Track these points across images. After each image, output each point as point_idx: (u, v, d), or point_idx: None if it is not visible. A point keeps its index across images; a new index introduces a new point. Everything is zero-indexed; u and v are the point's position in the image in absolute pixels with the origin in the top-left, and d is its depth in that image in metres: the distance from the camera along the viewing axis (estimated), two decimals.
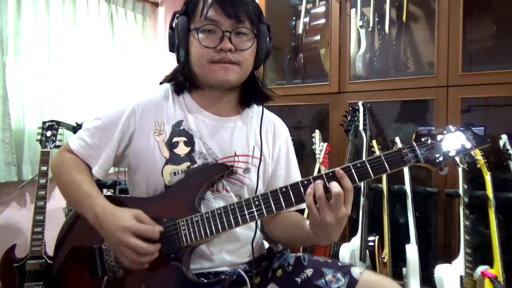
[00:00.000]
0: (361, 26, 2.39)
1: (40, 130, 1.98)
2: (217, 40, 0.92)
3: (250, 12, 0.94)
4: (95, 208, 0.88)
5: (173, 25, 0.98)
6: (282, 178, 1.12)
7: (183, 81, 1.02)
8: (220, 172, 0.98)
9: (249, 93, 1.07)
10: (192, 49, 0.96)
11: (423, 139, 0.88)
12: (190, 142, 0.99)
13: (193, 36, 0.95)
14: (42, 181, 1.87)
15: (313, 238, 0.91)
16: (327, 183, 0.84)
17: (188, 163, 0.98)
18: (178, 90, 1.03)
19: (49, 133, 1.96)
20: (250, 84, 1.05)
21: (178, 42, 0.96)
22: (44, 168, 1.89)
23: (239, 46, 0.94)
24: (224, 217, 0.90)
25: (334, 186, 0.82)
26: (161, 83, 1.08)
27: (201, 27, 0.93)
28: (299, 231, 0.98)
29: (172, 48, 1.00)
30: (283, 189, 0.88)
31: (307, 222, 0.93)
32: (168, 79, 1.07)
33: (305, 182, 0.88)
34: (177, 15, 0.97)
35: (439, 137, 0.88)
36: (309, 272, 0.99)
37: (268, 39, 0.99)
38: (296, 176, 1.14)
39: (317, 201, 0.83)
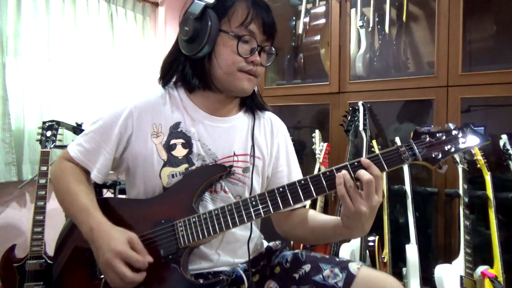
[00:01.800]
0: (361, 26, 2.39)
1: (40, 130, 1.97)
2: (249, 51, 0.95)
3: (276, 30, 1.00)
4: (90, 223, 0.88)
5: (199, 14, 0.93)
6: (285, 175, 1.11)
7: (195, 80, 1.00)
8: (218, 172, 0.98)
9: (249, 99, 1.09)
10: (222, 52, 0.95)
11: (421, 137, 0.87)
12: (188, 144, 0.99)
13: (225, 38, 0.94)
14: (42, 181, 1.87)
15: (344, 232, 0.90)
16: (352, 173, 0.84)
17: (186, 165, 0.98)
18: (190, 89, 1.03)
19: (49, 133, 1.96)
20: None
21: (208, 38, 0.93)
22: (44, 168, 1.89)
23: (264, 62, 1.01)
24: (221, 218, 0.90)
25: (364, 174, 0.82)
26: (166, 82, 1.05)
27: (242, 36, 0.93)
28: (325, 228, 0.97)
29: (192, 40, 0.94)
30: (280, 189, 0.88)
31: (333, 218, 0.93)
32: (177, 79, 1.04)
33: (302, 181, 0.88)
34: (208, 7, 0.93)
35: (437, 135, 0.87)
36: (306, 267, 0.99)
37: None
38: (297, 172, 1.13)
39: (348, 191, 0.82)
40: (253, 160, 1.04)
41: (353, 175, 0.83)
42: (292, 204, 0.88)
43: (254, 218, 0.89)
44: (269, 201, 0.88)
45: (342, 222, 0.89)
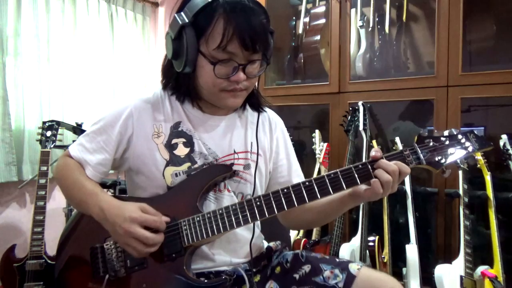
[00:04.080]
0: (361, 26, 2.39)
1: (40, 130, 1.98)
2: (230, 69, 0.89)
3: (265, 39, 0.91)
4: (100, 203, 0.89)
5: (177, 34, 0.88)
6: (286, 168, 1.12)
7: (186, 92, 1.00)
8: (222, 173, 0.98)
9: (247, 99, 1.05)
10: (202, 73, 0.91)
11: (425, 141, 0.89)
12: (189, 143, 1.00)
13: (203, 61, 0.89)
14: (42, 181, 1.87)
15: (352, 204, 0.95)
16: (371, 170, 0.86)
17: (188, 164, 0.98)
18: (181, 99, 1.02)
19: (49, 133, 1.96)
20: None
21: (186, 60, 0.88)
22: (44, 168, 1.89)
23: (251, 75, 0.93)
24: (225, 218, 0.90)
25: (389, 165, 0.85)
26: (164, 85, 1.04)
27: (218, 62, 0.87)
28: (331, 204, 0.98)
29: (175, 58, 0.93)
30: (285, 190, 0.89)
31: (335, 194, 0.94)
32: (170, 87, 1.03)
33: (307, 183, 0.88)
34: (184, 26, 0.87)
35: (441, 139, 0.89)
36: (307, 268, 1.00)
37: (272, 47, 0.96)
38: (296, 166, 1.14)
39: (392, 176, 0.84)
40: (255, 156, 1.04)
41: (372, 172, 0.86)
42: (296, 205, 0.88)
43: (258, 219, 0.89)
44: (273, 202, 0.89)
45: (354, 200, 0.92)
